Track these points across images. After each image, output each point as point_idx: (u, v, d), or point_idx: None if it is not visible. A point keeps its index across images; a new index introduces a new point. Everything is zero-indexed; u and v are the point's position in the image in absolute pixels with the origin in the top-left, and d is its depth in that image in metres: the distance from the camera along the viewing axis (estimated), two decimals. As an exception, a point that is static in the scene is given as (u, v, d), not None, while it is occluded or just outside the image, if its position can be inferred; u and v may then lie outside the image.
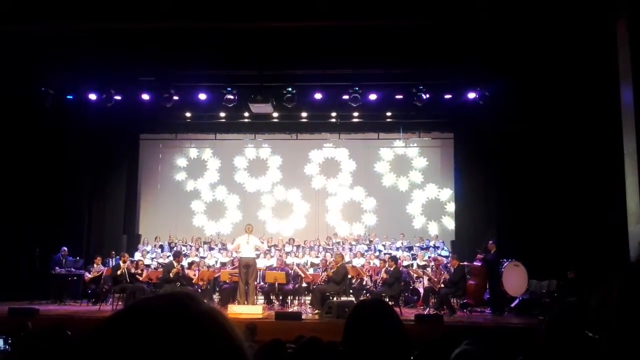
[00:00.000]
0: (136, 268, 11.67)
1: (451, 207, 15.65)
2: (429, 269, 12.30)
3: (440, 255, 13.57)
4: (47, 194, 13.49)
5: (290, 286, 11.55)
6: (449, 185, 15.87)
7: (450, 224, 15.78)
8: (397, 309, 9.38)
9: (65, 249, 12.67)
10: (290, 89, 12.10)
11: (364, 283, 12.00)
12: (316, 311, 10.58)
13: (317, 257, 13.64)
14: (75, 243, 13.42)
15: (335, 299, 10.72)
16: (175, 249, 13.68)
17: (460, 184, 14.62)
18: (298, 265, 12.39)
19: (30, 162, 13.02)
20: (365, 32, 9.85)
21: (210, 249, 14.68)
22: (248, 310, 10.10)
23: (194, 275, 11.62)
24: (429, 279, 11.71)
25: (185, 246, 14.73)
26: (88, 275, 12.47)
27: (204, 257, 13.68)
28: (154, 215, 16.55)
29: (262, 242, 12.66)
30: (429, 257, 13.25)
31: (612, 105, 8.77)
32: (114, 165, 15.20)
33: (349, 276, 11.44)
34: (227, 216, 16.76)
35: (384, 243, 14.84)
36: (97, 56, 10.86)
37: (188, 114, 14.75)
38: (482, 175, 13.85)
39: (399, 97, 12.59)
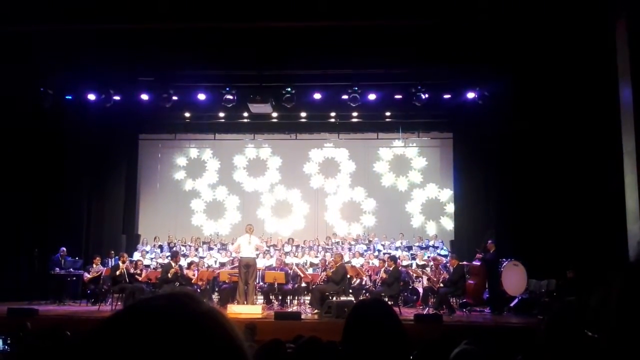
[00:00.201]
0: (135, 268, 11.66)
1: (450, 206, 15.67)
2: (428, 269, 12.31)
3: (439, 254, 13.58)
4: (46, 194, 13.49)
5: (290, 286, 11.55)
6: (448, 185, 15.88)
7: (449, 223, 15.80)
8: (396, 309, 9.39)
9: (64, 249, 12.65)
10: (289, 89, 12.10)
11: (363, 283, 12.01)
12: (315, 311, 10.58)
13: (316, 257, 13.65)
14: (75, 243, 13.41)
15: (334, 298, 10.72)
16: (174, 249, 13.68)
17: (460, 183, 14.63)
18: (297, 265, 12.39)
19: (29, 162, 13.01)
20: (365, 32, 9.84)
21: (210, 249, 14.68)
22: (247, 310, 10.10)
23: (193, 275, 11.62)
24: (428, 279, 11.72)
25: (185, 246, 14.74)
26: (87, 276, 12.46)
27: (203, 257, 13.68)
28: (153, 215, 16.55)
29: (262, 242, 12.66)
30: (428, 257, 13.27)
31: (611, 104, 8.78)
32: (113, 166, 15.19)
33: (348, 276, 11.44)
34: (226, 217, 16.77)
35: (383, 243, 14.86)
36: (96, 56, 10.86)
37: (187, 114, 14.75)
38: (481, 174, 13.86)
39: (398, 97, 12.59)
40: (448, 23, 9.35)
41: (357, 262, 13.05)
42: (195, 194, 16.91)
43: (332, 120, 15.12)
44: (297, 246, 14.51)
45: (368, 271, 12.25)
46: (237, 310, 10.03)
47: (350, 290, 11.57)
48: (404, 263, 12.89)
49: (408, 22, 9.34)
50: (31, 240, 12.91)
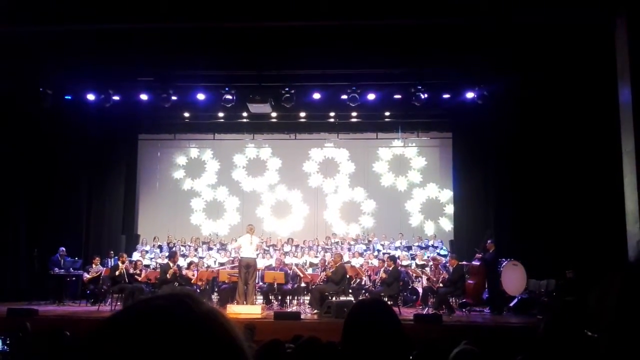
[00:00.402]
0: (135, 268, 11.66)
1: (450, 206, 15.67)
2: (427, 269, 12.31)
3: (439, 254, 13.59)
4: (45, 194, 13.48)
5: (289, 286, 11.55)
6: (447, 185, 15.89)
7: (448, 223, 15.80)
8: (395, 309, 9.40)
9: (64, 249, 12.65)
10: (288, 89, 12.10)
11: (363, 283, 12.01)
12: (315, 311, 10.58)
13: (316, 257, 13.65)
14: (74, 243, 13.40)
15: (334, 298, 10.73)
16: (173, 249, 13.68)
17: (459, 183, 14.63)
18: (297, 265, 12.40)
19: (28, 162, 13.01)
20: (364, 32, 9.84)
21: (209, 249, 14.69)
22: (247, 310, 10.10)
23: (193, 275, 11.62)
24: (428, 279, 11.72)
25: (184, 246, 14.74)
26: (87, 276, 12.45)
27: (202, 258, 13.69)
28: (153, 215, 16.56)
29: (262, 242, 12.66)
30: (428, 257, 13.27)
31: (610, 104, 8.78)
32: (113, 166, 15.19)
33: (348, 276, 11.45)
34: (225, 217, 16.77)
35: (382, 243, 14.86)
36: (95, 56, 10.84)
37: (186, 114, 14.74)
38: (480, 174, 13.87)
39: (397, 96, 12.58)
40: (447, 23, 9.35)
41: (357, 262, 13.05)
42: (195, 194, 16.91)
43: (332, 120, 15.11)
44: (297, 246, 14.51)
45: (367, 271, 12.26)
46: (237, 311, 10.03)
47: (350, 290, 11.57)
48: (404, 263, 12.90)
49: (407, 21, 9.34)
50: (31, 241, 12.90)
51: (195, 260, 12.92)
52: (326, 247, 14.55)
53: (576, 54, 10.09)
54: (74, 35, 9.92)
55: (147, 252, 14.41)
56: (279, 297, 11.64)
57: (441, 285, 11.19)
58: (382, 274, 11.10)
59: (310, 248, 14.30)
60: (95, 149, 14.48)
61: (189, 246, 14.75)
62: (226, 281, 11.64)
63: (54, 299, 12.06)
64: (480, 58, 10.85)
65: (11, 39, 9.71)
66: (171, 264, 11.09)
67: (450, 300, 11.05)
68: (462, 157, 14.58)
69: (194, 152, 17.21)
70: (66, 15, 8.74)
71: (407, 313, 10.46)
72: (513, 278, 11.21)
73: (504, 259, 11.49)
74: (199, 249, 14.62)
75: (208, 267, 12.85)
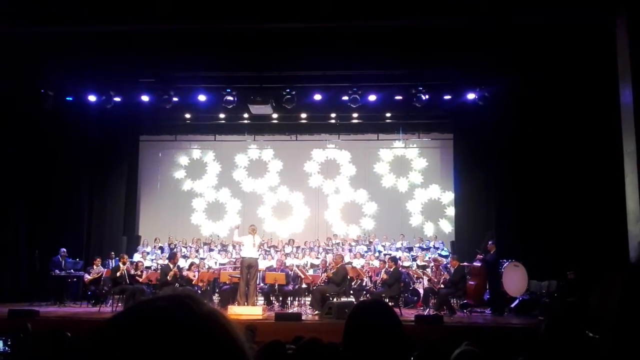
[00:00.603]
0: (136, 269, 11.66)
1: (451, 207, 15.67)
2: (428, 270, 12.30)
3: (440, 255, 13.58)
4: (46, 195, 13.50)
5: (290, 287, 11.55)
6: (448, 186, 15.88)
7: (449, 224, 15.79)
8: (397, 310, 9.39)
9: (64, 250, 12.65)
10: (289, 90, 12.10)
11: (364, 284, 12.00)
12: (316, 312, 10.58)
13: (317, 258, 13.65)
14: (75, 244, 13.42)
15: (335, 299, 10.72)
16: (174, 250, 13.68)
17: (460, 184, 14.63)
18: (298, 266, 12.40)
19: (29, 163, 13.02)
20: (365, 33, 9.84)
21: (210, 250, 14.69)
22: (248, 311, 10.09)
23: (194, 276, 11.62)
24: (429, 280, 11.71)
25: (186, 247, 14.74)
26: (88, 277, 12.46)
27: (203, 259, 13.69)
28: (154, 216, 16.57)
29: (264, 243, 12.67)
30: (429, 258, 13.26)
31: (611, 105, 8.77)
32: (114, 167, 15.20)
33: (349, 277, 11.44)
34: (226, 219, 16.77)
35: (383, 244, 14.86)
36: (96, 57, 10.85)
37: (188, 115, 14.76)
38: (481, 175, 13.87)
39: (398, 97, 12.59)
40: (447, 23, 9.35)
41: (358, 263, 13.05)
42: (196, 195, 16.92)
43: (333, 121, 15.12)
44: (298, 247, 14.51)
45: (369, 272, 12.25)
46: (238, 312, 10.02)
47: (351, 292, 11.57)
48: (405, 264, 12.90)
49: (407, 22, 9.34)
50: (31, 241, 12.91)
51: (196, 261, 12.92)
52: (327, 248, 14.54)
53: (576, 54, 10.09)
54: (75, 36, 9.93)
55: (148, 253, 14.41)
56: (280, 298, 11.63)
57: (442, 286, 11.19)
58: (383, 275, 11.09)
59: (311, 249, 14.30)
60: (97, 150, 14.49)
61: (190, 247, 14.75)
62: (227, 282, 11.64)
63: (55, 300, 12.06)
64: (481, 58, 10.85)
65: (12, 39, 9.73)
66: (171, 266, 11.08)
67: (452, 301, 11.04)
68: (463, 158, 14.58)
69: (195, 153, 17.23)
70: (67, 17, 8.75)
71: (408, 314, 10.44)
72: (514, 279, 11.20)
73: (505, 260, 11.48)
74: (200, 250, 14.62)
75: (209, 268, 12.85)
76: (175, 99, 12.30)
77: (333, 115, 14.80)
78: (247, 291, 10.61)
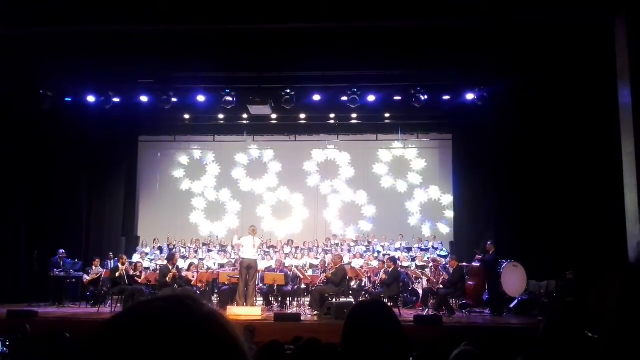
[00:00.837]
0: (135, 270, 11.65)
1: (450, 207, 15.67)
2: (427, 270, 12.31)
3: (439, 256, 13.58)
4: (45, 195, 13.48)
5: (289, 287, 11.55)
6: (447, 186, 15.88)
7: (448, 224, 15.80)
8: (395, 310, 9.38)
9: (63, 251, 12.63)
10: (288, 91, 12.10)
11: (363, 284, 12.00)
12: (315, 312, 10.58)
13: (316, 258, 13.65)
14: (74, 245, 13.41)
15: (334, 300, 10.72)
16: (173, 251, 13.67)
17: (459, 184, 14.63)
18: (297, 266, 12.40)
19: (29, 163, 13.01)
20: (364, 34, 9.85)
21: (209, 250, 14.68)
22: (247, 311, 10.09)
23: (193, 277, 11.61)
24: (428, 280, 11.72)
25: (185, 248, 14.74)
26: (87, 278, 12.45)
27: (202, 259, 13.69)
28: (153, 217, 16.56)
29: (263, 244, 12.66)
30: (428, 258, 13.27)
31: (610, 105, 8.78)
32: (113, 168, 15.19)
33: (348, 277, 11.44)
34: (225, 219, 16.76)
35: (382, 244, 14.86)
36: (96, 58, 10.84)
37: (187, 116, 14.75)
38: (480, 175, 13.87)
39: (397, 98, 12.59)
40: (447, 24, 9.36)
41: (357, 263, 13.05)
42: (195, 196, 16.91)
43: (332, 121, 15.12)
44: (297, 248, 14.51)
45: (367, 272, 12.25)
46: (237, 312, 10.02)
47: (350, 292, 11.57)
48: (404, 264, 12.90)
49: (407, 23, 9.35)
50: (30, 242, 12.90)
51: (195, 261, 12.92)
52: (326, 248, 14.54)
53: (576, 54, 10.10)
54: (74, 36, 9.92)
55: (147, 254, 14.41)
56: (279, 299, 11.63)
57: (441, 286, 11.19)
58: (382, 275, 11.09)
59: (310, 249, 14.30)
60: (96, 150, 14.49)
61: (189, 248, 14.74)
62: (226, 283, 11.64)
63: (54, 301, 12.05)
64: (480, 58, 10.85)
65: (11, 40, 9.72)
66: (170, 266, 11.07)
67: (451, 301, 11.05)
68: (462, 158, 14.59)
69: (194, 153, 17.22)
70: (66, 17, 8.74)
71: (407, 314, 10.44)
72: (513, 279, 11.21)
73: (504, 260, 11.48)
74: (199, 251, 14.62)
75: (208, 268, 12.85)
76: (174, 99, 12.29)
77: (332, 115, 14.80)
78: (246, 292, 10.61)
